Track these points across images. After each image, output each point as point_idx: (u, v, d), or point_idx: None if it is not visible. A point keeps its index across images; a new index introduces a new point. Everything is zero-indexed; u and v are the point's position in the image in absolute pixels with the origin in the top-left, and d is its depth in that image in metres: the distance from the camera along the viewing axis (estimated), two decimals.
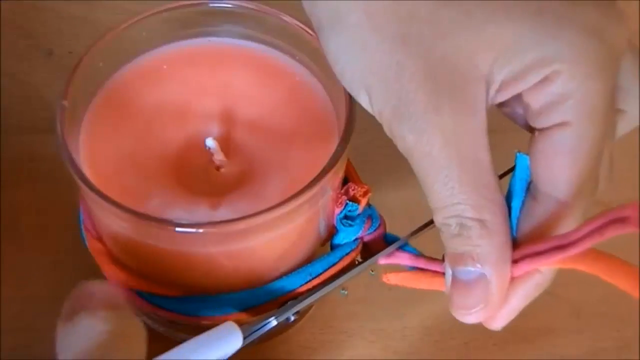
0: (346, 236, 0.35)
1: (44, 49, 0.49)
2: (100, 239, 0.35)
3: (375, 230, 0.35)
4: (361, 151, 0.37)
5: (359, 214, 0.35)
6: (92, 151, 0.34)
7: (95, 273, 0.35)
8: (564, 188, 0.29)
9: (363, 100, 0.30)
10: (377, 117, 0.29)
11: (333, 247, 0.35)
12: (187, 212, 0.33)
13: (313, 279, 0.34)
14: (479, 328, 0.40)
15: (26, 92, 0.47)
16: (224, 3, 0.36)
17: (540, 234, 0.30)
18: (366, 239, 0.35)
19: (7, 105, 0.46)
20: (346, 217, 0.35)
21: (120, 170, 0.33)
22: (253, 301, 0.33)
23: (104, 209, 0.31)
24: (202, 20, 0.37)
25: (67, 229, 0.39)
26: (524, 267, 0.29)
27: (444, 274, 0.31)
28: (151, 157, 0.34)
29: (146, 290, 0.34)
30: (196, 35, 0.37)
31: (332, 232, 0.35)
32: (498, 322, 0.31)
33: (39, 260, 0.41)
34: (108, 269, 0.35)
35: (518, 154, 0.31)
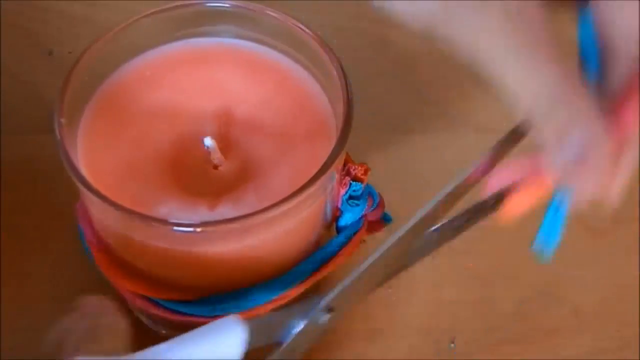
0: (352, 216, 0.36)
1: (44, 49, 0.49)
2: (105, 249, 0.35)
3: (377, 207, 0.36)
4: (354, 150, 0.37)
5: (362, 193, 0.35)
6: (91, 158, 0.34)
7: (96, 273, 0.35)
8: (636, 36, 0.28)
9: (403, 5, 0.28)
10: (427, 22, 0.28)
11: (339, 230, 0.36)
12: (190, 211, 0.33)
13: (326, 262, 0.34)
14: (479, 328, 0.40)
15: (26, 92, 0.47)
16: (217, 3, 0.36)
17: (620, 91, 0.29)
18: (370, 216, 0.36)
19: (7, 105, 0.46)
20: (351, 197, 0.35)
21: (120, 175, 0.34)
22: (268, 294, 0.34)
23: (113, 216, 0.31)
24: (194, 21, 0.37)
25: (67, 229, 0.39)
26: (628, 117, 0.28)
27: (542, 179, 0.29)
28: (149, 159, 0.34)
29: (158, 296, 0.34)
30: (187, 37, 0.37)
31: (336, 214, 0.36)
32: (613, 190, 0.29)
33: (39, 260, 0.41)
34: (117, 278, 0.34)
35: (581, 16, 0.29)
